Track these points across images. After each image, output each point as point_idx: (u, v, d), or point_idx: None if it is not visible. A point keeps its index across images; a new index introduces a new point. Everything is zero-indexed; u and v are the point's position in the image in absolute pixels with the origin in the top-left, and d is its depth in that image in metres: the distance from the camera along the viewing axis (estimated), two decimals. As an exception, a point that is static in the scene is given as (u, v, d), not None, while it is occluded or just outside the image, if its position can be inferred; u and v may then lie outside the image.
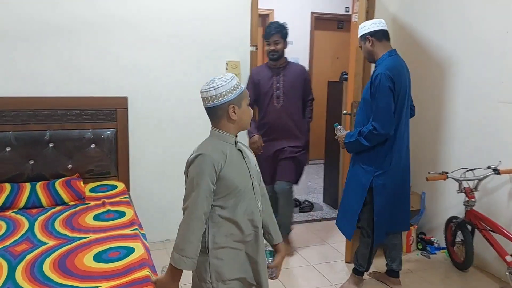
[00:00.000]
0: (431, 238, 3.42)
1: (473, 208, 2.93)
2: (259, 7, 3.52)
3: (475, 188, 2.91)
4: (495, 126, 2.93)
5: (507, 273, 2.62)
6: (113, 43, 3.15)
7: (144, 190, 3.34)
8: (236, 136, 1.69)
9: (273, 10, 5.89)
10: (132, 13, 3.17)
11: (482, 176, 2.87)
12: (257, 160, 1.88)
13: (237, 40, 3.45)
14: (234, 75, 1.63)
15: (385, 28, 2.61)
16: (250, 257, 1.68)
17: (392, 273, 2.82)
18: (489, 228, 2.83)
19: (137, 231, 2.29)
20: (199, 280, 1.65)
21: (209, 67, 3.38)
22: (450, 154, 3.30)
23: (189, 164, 1.60)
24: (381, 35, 2.59)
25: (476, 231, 2.94)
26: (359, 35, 2.66)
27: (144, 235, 2.33)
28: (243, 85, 1.65)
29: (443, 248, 3.33)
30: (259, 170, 1.79)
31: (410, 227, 3.35)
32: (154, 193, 3.40)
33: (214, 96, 1.57)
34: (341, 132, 2.73)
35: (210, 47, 3.39)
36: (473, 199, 2.91)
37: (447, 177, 2.92)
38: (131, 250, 2.02)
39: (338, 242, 3.47)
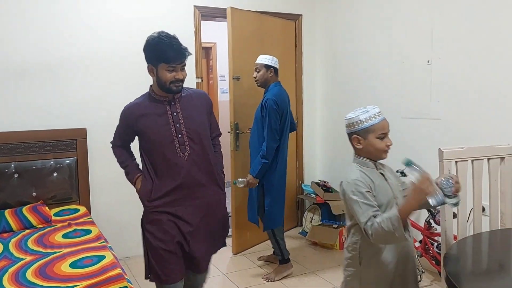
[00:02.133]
0: (360, 236, 3.99)
1: (388, 206, 3.53)
2: (202, 40, 4.04)
3: (388, 189, 3.52)
4: (399, 137, 3.56)
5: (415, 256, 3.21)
6: (72, 81, 3.53)
7: (104, 212, 3.67)
8: (376, 161, 1.80)
9: (215, 43, 6.43)
10: (87, 52, 3.57)
11: (392, 179, 3.49)
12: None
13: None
14: (370, 108, 1.77)
15: (277, 66, 3.42)
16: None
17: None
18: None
19: (104, 243, 2.64)
20: None
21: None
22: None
23: (343, 193, 1.74)
24: (277, 71, 3.40)
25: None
26: (264, 63, 3.36)
27: (111, 247, 2.68)
28: (376, 119, 1.75)
29: (370, 244, 3.90)
30: (402, 189, 1.83)
31: (342, 227, 3.91)
32: (113, 215, 3.72)
33: (345, 125, 1.81)
34: (243, 180, 3.32)
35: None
36: (387, 198, 3.51)
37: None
38: (102, 257, 2.38)
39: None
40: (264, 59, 3.38)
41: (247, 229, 3.88)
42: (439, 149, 2.05)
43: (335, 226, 4.00)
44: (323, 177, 4.55)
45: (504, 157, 2.05)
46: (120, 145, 2.42)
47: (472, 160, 2.05)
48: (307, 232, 4.22)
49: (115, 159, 2.46)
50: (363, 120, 1.76)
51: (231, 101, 3.77)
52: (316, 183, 4.34)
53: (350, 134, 1.80)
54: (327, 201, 4.13)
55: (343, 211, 4.10)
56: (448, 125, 3.14)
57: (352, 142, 1.80)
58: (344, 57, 4.19)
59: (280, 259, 3.41)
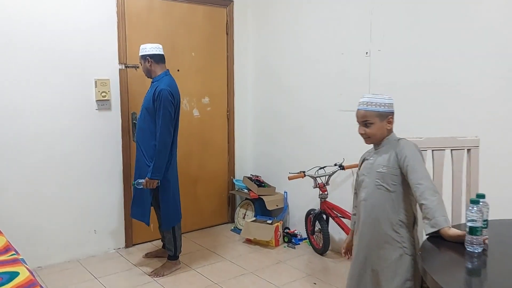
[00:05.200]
0: (295, 231, 3.92)
1: (326, 200, 3.48)
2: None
3: (327, 183, 3.47)
4: (338, 130, 3.54)
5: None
6: None
7: (10, 219, 3.11)
8: (378, 144, 1.97)
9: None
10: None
11: (331, 172, 3.44)
12: None
13: (105, 58, 3.48)
14: (362, 97, 1.97)
15: (162, 53, 3.12)
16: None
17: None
18: (340, 215, 3.40)
19: (15, 256, 2.18)
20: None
21: (78, 85, 3.36)
22: (306, 156, 3.82)
23: None
24: (158, 58, 3.10)
25: (330, 219, 3.50)
26: (140, 54, 3.11)
27: (23, 260, 2.23)
28: (358, 107, 1.96)
29: (305, 239, 3.84)
30: (382, 171, 1.91)
31: (277, 223, 3.80)
32: (21, 221, 3.19)
33: None
34: (142, 182, 3.02)
35: (77, 65, 3.35)
36: (325, 192, 3.46)
37: (305, 175, 3.43)
38: (15, 274, 1.94)
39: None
40: (140, 50, 3.12)
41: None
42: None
43: (269, 222, 3.87)
44: (254, 171, 4.39)
45: (470, 149, 2.05)
46: None
47: (433, 150, 2.02)
48: (239, 229, 4.04)
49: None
50: None
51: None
52: (249, 177, 4.17)
53: None
54: (261, 196, 3.98)
55: (277, 206, 4.00)
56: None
57: None
58: (279, 47, 4.05)
59: (171, 255, 3.24)
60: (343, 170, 3.42)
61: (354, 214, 2.16)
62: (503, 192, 2.38)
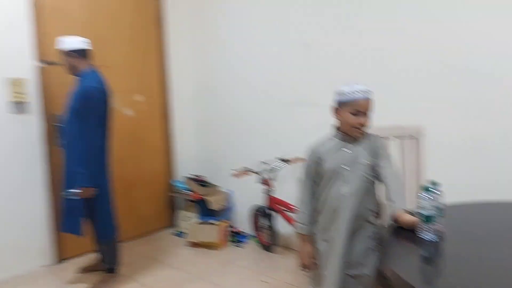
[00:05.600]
0: (240, 230, 3.78)
1: (271, 195, 3.38)
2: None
3: (272, 178, 3.37)
4: (281, 123, 3.45)
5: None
6: None
7: None
8: (349, 135, 1.81)
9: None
10: None
11: (275, 167, 3.35)
12: None
13: (19, 54, 3.10)
14: (358, 85, 1.77)
15: (88, 47, 2.84)
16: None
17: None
18: (285, 209, 3.32)
19: None
20: None
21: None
22: (250, 152, 3.68)
23: None
24: (84, 53, 2.81)
25: (276, 214, 3.41)
26: (62, 49, 2.77)
27: None
28: (355, 95, 1.75)
29: (252, 236, 3.72)
30: (367, 162, 1.80)
31: (223, 223, 3.64)
32: None
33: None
34: (76, 192, 2.67)
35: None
36: (271, 187, 3.36)
37: (249, 171, 3.31)
38: None
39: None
40: (63, 44, 2.77)
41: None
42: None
43: (214, 222, 3.70)
44: (197, 171, 4.19)
45: (415, 137, 2.02)
46: None
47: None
48: (183, 233, 3.83)
49: None
50: (345, 93, 1.78)
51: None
52: (190, 178, 3.97)
53: (333, 104, 1.85)
54: (204, 197, 3.80)
55: (221, 205, 3.85)
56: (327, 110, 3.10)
57: (332, 112, 1.86)
58: (217, 38, 3.88)
59: (109, 267, 3.01)
60: (288, 164, 3.34)
61: (308, 213, 1.92)
62: (448, 180, 2.41)
